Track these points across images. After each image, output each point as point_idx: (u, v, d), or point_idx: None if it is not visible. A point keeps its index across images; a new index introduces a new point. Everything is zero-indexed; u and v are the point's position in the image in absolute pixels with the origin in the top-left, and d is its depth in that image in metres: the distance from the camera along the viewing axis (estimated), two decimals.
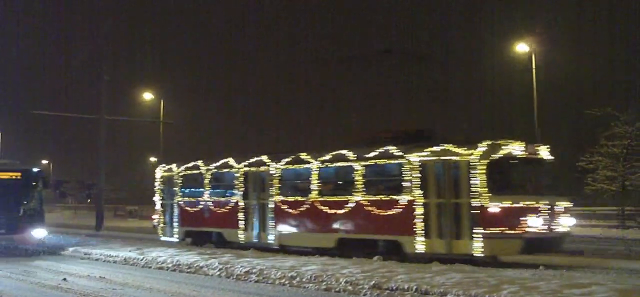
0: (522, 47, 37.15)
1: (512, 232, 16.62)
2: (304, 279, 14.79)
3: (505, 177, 17.42)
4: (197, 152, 39.60)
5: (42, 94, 78.82)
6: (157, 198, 26.86)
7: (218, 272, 16.81)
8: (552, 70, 44.71)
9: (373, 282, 13.62)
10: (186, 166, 25.45)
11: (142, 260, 19.88)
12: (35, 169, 24.07)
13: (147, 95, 53.57)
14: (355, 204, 19.44)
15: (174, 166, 26.06)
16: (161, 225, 26.46)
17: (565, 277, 13.88)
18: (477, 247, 16.79)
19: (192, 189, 25.38)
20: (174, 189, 25.76)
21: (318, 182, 20.70)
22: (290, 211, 21.38)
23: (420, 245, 17.80)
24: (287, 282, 14.90)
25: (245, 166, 23.04)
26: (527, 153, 17.56)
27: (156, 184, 27.02)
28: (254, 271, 16.13)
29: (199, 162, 24.96)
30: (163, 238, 26.31)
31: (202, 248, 23.05)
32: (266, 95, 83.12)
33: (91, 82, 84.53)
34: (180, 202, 25.41)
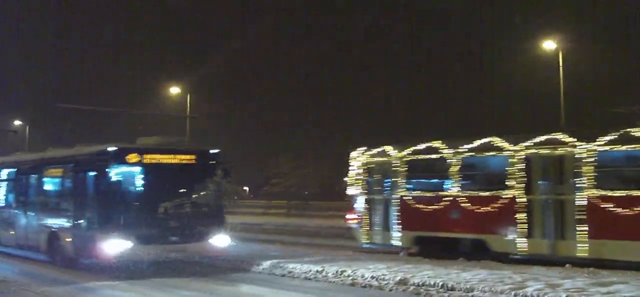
0: (549, 45, 35.78)
1: None
2: None
3: None
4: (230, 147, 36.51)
5: (68, 87, 74.80)
6: (355, 192, 19.90)
7: None
8: (579, 67, 43.12)
9: None
10: (415, 148, 18.47)
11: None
12: (213, 151, 17.17)
13: (174, 90, 51.52)
14: None
15: (390, 150, 19.11)
16: (365, 228, 19.51)
17: (591, 275, 13.66)
18: None
19: (427, 180, 18.59)
20: (393, 180, 18.90)
21: None
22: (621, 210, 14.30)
23: None
24: None
25: (526, 147, 15.95)
26: None
27: (352, 173, 20.05)
28: None
29: (438, 144, 17.93)
30: (367, 244, 19.48)
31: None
32: (300, 88, 77.02)
33: (115, 75, 79.67)
34: (404, 198, 18.45)
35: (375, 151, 19.68)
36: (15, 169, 20.29)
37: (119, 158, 15.86)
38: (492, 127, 40.12)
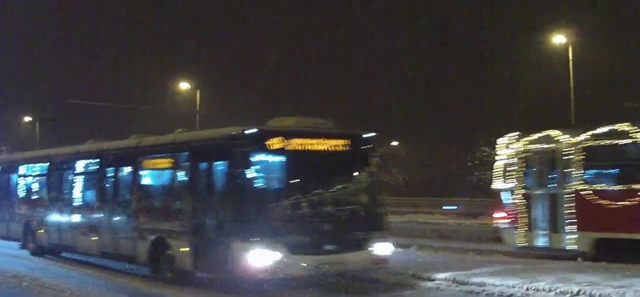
0: (559, 39, 35.19)
1: None
2: None
3: None
4: None
5: (78, 83, 72.02)
6: (504, 185, 16.56)
7: None
8: (590, 61, 41.90)
9: None
10: (595, 133, 15.08)
11: None
12: (367, 134, 13.69)
13: (184, 85, 50.13)
14: None
15: (558, 135, 15.74)
16: (522, 228, 16.17)
17: (602, 270, 13.22)
18: None
19: (613, 171, 15.09)
20: (563, 170, 15.49)
21: None
22: None
23: None
24: None
25: None
26: None
27: (501, 163, 16.74)
28: None
29: (626, 127, 14.61)
30: (524, 247, 16.17)
31: None
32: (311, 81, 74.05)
33: (123, 71, 76.69)
34: (582, 193, 15.06)
35: (534, 136, 16.32)
36: (96, 160, 16.72)
37: (260, 143, 12.38)
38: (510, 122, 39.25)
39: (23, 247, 19.98)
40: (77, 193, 17.21)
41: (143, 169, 14.94)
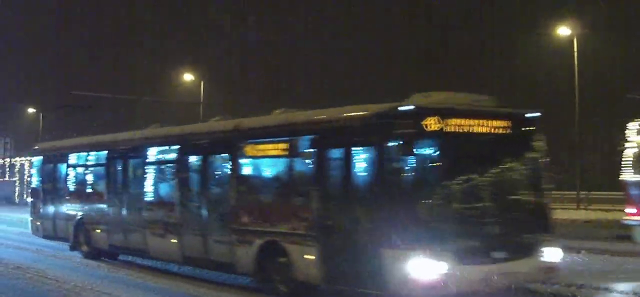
0: (563, 31, 35.19)
1: None
2: None
3: None
4: None
5: (81, 75, 69.87)
6: (634, 178, 14.02)
7: None
8: (594, 53, 41.18)
9: None
10: None
11: None
12: (531, 114, 11.02)
13: (188, 76, 49.98)
14: None
15: None
16: None
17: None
18: None
19: None
20: None
21: None
22: None
23: None
24: None
25: None
26: None
27: (631, 153, 14.21)
28: None
29: None
30: None
31: None
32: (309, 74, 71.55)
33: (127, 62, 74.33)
34: None
35: None
36: (175, 147, 13.99)
37: (417, 124, 9.75)
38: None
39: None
40: (149, 186, 14.48)
41: (245, 157, 12.20)
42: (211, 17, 76.76)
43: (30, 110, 63.84)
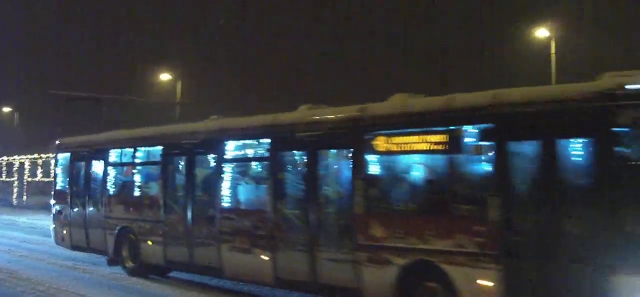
0: (542, 32, 33.85)
1: None
2: None
3: None
4: None
5: (57, 74, 67.46)
6: None
7: None
8: (572, 55, 39.15)
9: None
10: None
11: None
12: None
13: (165, 76, 46.85)
14: None
15: None
16: None
17: None
18: None
19: None
20: None
21: None
22: None
23: None
24: None
25: None
26: None
27: None
28: None
29: None
30: None
31: None
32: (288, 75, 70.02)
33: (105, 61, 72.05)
34: None
35: None
36: (266, 140, 11.12)
37: None
38: None
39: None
40: (226, 190, 11.57)
41: (373, 152, 9.41)
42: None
43: (6, 109, 60.53)
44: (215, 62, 71.55)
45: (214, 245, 11.75)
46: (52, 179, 17.59)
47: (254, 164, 11.56)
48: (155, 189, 13.52)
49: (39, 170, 32.90)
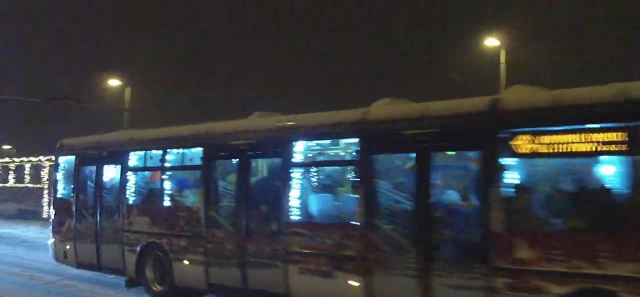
0: (492, 42, 33.69)
1: None
2: None
3: None
4: None
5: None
6: None
7: None
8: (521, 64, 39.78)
9: None
10: None
11: None
12: None
13: (113, 82, 44.46)
14: None
15: None
16: None
17: None
18: None
19: None
20: None
21: None
22: None
23: None
24: None
25: None
26: None
27: None
28: None
29: None
30: None
31: None
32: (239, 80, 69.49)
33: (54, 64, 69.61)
34: None
35: None
36: (353, 140, 9.15)
37: None
38: None
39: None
40: (297, 200, 9.49)
41: (513, 155, 7.58)
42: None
43: None
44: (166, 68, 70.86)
45: (278, 266, 9.71)
46: (50, 186, 15.20)
47: (338, 169, 9.60)
48: (193, 198, 11.38)
49: (12, 174, 30.17)
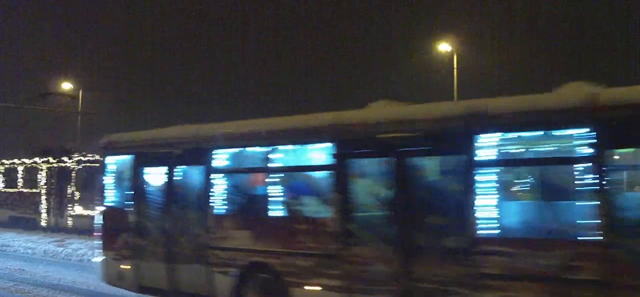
0: (444, 47, 34.75)
1: None
2: None
3: None
4: None
5: None
6: None
7: None
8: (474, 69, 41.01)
9: None
10: None
11: None
12: None
13: (66, 85, 45.04)
14: None
15: None
16: None
17: None
18: None
19: None
20: None
21: None
22: None
23: None
24: None
25: None
26: None
27: None
28: None
29: None
30: None
31: None
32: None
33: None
34: None
35: None
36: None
37: None
38: None
39: None
40: (490, 207, 7.22)
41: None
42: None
43: None
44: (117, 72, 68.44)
45: (468, 293, 7.39)
46: (98, 190, 12.51)
47: (563, 167, 7.27)
48: (323, 206, 8.95)
49: (1, 178, 27.01)
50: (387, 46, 65.36)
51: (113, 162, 11.96)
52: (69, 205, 23.57)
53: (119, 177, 11.84)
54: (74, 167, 23.81)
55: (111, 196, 11.92)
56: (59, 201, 24.06)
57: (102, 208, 12.03)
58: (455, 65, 33.76)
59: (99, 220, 12.08)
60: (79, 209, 23.50)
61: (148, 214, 11.08)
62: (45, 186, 24.68)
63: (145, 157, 11.28)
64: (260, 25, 73.05)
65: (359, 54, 67.70)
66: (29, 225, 24.82)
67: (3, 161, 27.40)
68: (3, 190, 27.02)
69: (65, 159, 24.26)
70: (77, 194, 23.57)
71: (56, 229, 23.76)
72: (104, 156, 12.18)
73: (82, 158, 23.98)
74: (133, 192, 11.37)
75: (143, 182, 11.31)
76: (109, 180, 11.99)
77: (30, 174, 25.58)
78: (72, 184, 23.67)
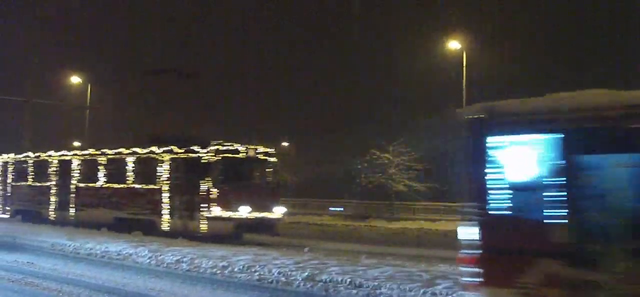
0: (454, 45, 34.99)
1: None
2: None
3: None
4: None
5: None
6: None
7: None
8: (482, 67, 41.15)
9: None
10: None
11: None
12: None
13: (75, 79, 45.96)
14: None
15: None
16: None
17: None
18: None
19: None
20: None
21: None
22: None
23: None
24: None
25: None
26: None
27: None
28: None
29: None
30: None
31: None
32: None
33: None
34: None
35: None
36: None
37: None
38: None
39: None
40: None
41: None
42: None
43: None
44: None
45: None
46: (469, 190, 7.98)
47: None
48: None
49: (103, 171, 22.46)
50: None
51: (501, 143, 7.64)
52: (203, 205, 18.96)
53: (515, 167, 7.52)
54: (209, 159, 19.25)
55: (500, 198, 7.59)
56: (189, 201, 19.52)
57: (480, 217, 7.68)
58: (464, 63, 33.93)
59: (470, 235, 7.74)
60: (216, 211, 18.94)
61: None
62: (168, 182, 20.10)
63: (593, 137, 6.95)
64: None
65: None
66: (144, 228, 20.20)
67: (105, 150, 22.70)
68: (105, 185, 22.39)
69: (196, 148, 19.65)
70: (213, 191, 19.03)
71: (185, 234, 19.13)
72: (478, 134, 7.83)
73: (220, 148, 19.40)
74: (566, 193, 7.04)
75: (588, 178, 7.00)
76: (493, 172, 7.65)
77: (145, 166, 20.99)
78: (209, 179, 19.11)
